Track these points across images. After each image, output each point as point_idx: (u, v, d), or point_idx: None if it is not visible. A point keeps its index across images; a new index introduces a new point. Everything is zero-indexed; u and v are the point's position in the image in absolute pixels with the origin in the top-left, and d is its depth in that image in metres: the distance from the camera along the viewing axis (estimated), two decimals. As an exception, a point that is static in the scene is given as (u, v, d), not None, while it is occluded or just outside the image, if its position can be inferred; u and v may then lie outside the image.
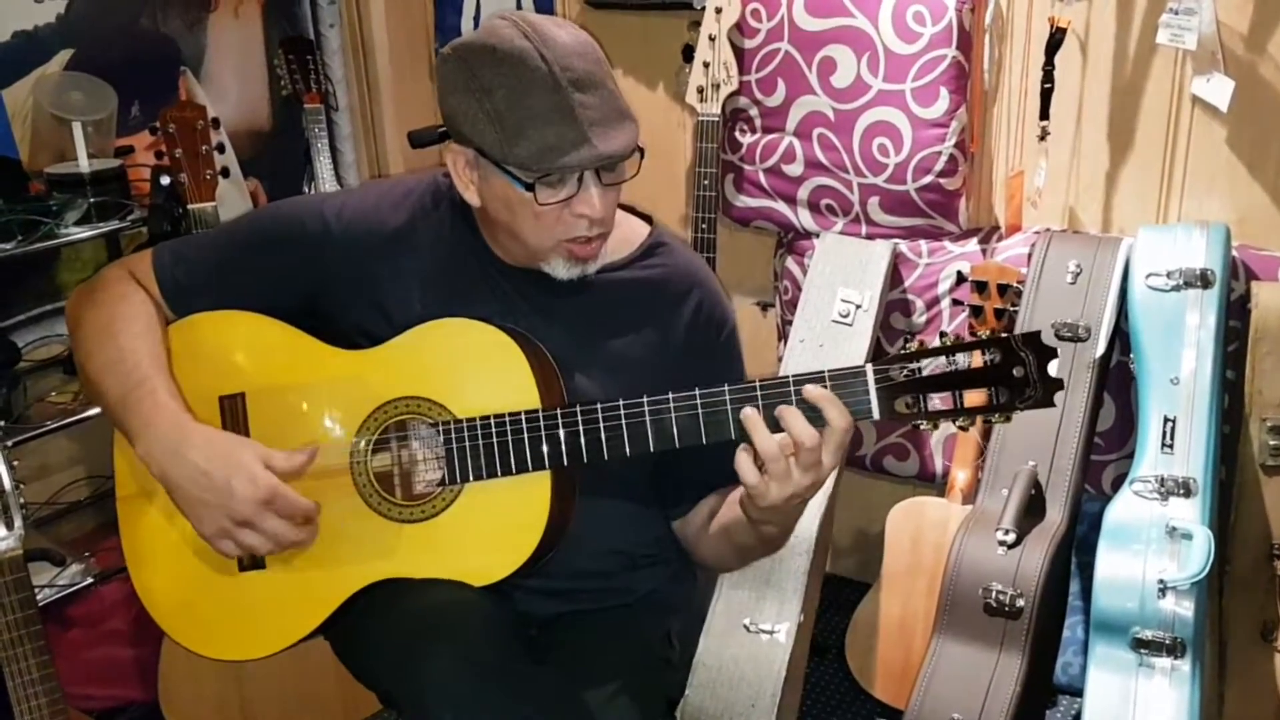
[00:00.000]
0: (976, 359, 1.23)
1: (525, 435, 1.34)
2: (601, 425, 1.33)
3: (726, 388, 1.28)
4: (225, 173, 2.20)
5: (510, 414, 1.35)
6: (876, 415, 1.24)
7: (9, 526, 1.64)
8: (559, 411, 1.34)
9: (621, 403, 1.32)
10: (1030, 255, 2.22)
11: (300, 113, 2.72)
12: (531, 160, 1.29)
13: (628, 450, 1.32)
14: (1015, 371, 1.22)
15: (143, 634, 2.27)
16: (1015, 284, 2.17)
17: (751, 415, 1.26)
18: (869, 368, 1.24)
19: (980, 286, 2.20)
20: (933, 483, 2.41)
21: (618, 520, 1.49)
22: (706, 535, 1.48)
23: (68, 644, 2.27)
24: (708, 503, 1.50)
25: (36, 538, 2.28)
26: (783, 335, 2.57)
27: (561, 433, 1.33)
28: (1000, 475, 2.11)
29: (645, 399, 1.31)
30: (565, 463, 1.34)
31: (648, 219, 1.56)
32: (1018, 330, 2.15)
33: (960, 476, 2.21)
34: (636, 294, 1.48)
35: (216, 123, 2.19)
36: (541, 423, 1.34)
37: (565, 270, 1.41)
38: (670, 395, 1.30)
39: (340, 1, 2.88)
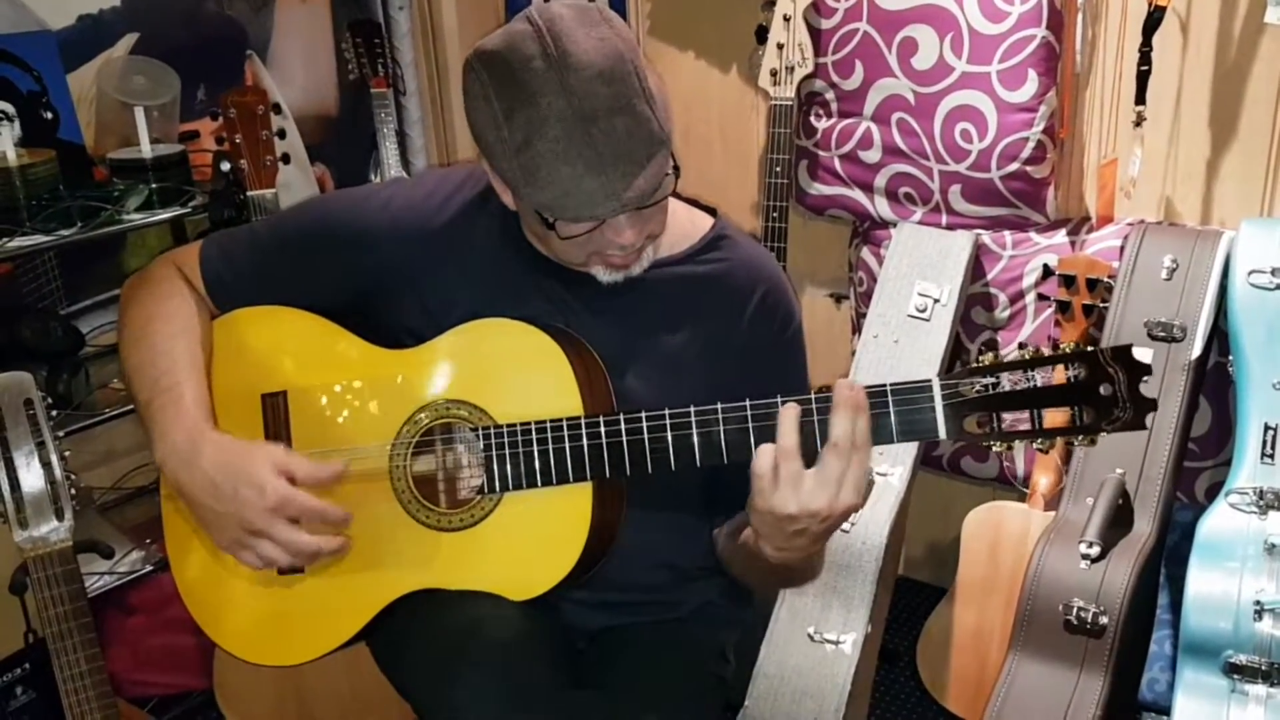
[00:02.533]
0: (1058, 374, 1.13)
1: (566, 444, 1.28)
2: (646, 437, 1.25)
3: (779, 399, 1.20)
4: (286, 159, 2.18)
5: (551, 421, 1.28)
6: (943, 435, 1.15)
7: (59, 518, 1.62)
8: (601, 419, 1.27)
9: (667, 412, 1.25)
10: (1122, 248, 2.11)
11: (368, 97, 2.69)
12: (548, 205, 1.22)
13: (673, 464, 1.25)
14: (1102, 389, 1.11)
15: (204, 621, 2.27)
16: (1106, 279, 2.06)
17: (789, 410, 1.16)
18: (936, 382, 1.14)
19: (1068, 281, 2.10)
20: (1013, 486, 2.31)
21: (669, 531, 1.42)
22: (733, 545, 1.41)
23: (130, 630, 2.29)
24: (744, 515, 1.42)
25: (101, 523, 2.30)
26: (857, 328, 2.48)
27: (603, 442, 1.27)
28: (1085, 483, 2.01)
29: (692, 409, 1.24)
30: (606, 474, 1.28)
31: (711, 211, 1.48)
32: (1108, 328, 2.04)
33: (1042, 482, 2.11)
34: (695, 290, 1.41)
35: (278, 108, 2.16)
36: (583, 431, 1.27)
37: (606, 275, 1.33)
38: (719, 405, 1.23)
39: (410, -16, 2.84)
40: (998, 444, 1.13)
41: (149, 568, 2.20)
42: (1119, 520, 1.95)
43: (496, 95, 1.21)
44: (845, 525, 2.05)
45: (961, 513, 2.17)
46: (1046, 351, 1.13)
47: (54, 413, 1.66)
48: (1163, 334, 2.01)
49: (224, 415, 1.40)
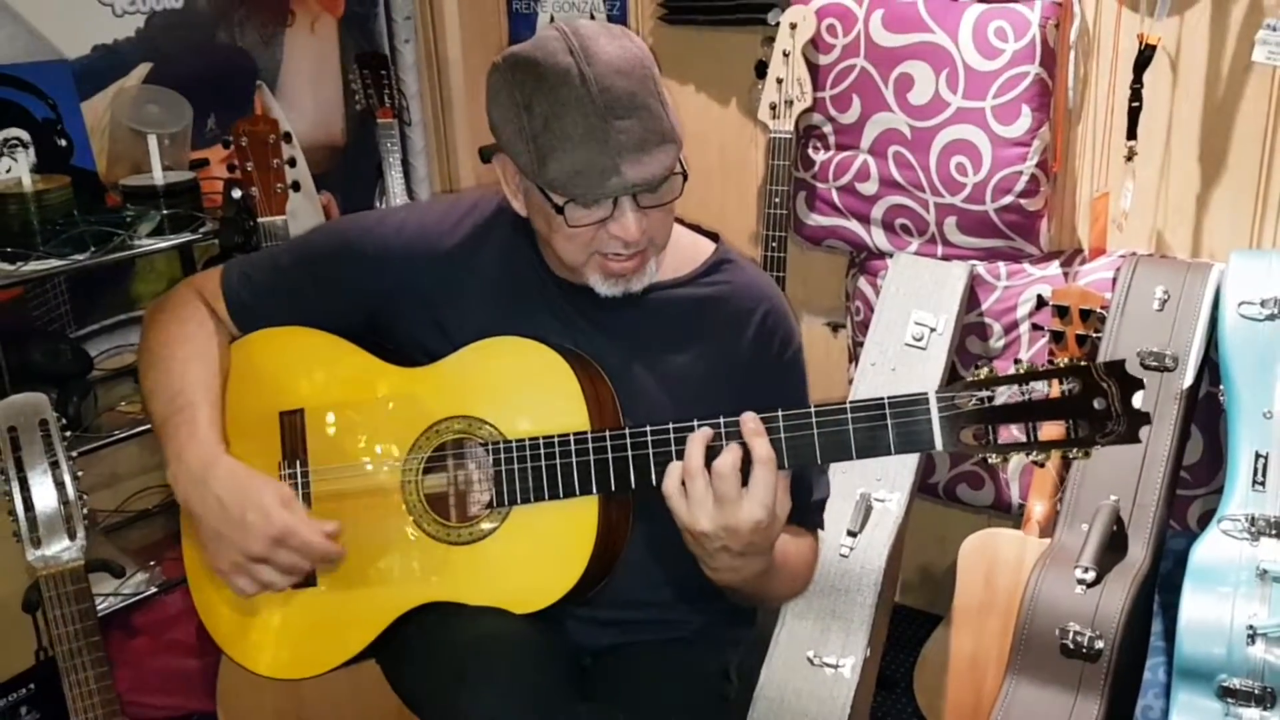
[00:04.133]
0: (1054, 388, 1.16)
1: (573, 459, 1.31)
2: (650, 452, 1.29)
3: (780, 413, 1.24)
4: (296, 186, 2.21)
5: (559, 436, 1.31)
6: (939, 446, 1.18)
7: (71, 537, 1.64)
8: (607, 434, 1.31)
9: (671, 427, 1.28)
10: (1115, 280, 2.14)
11: (374, 127, 2.74)
12: (559, 183, 1.26)
13: None
14: (1096, 403, 1.15)
15: (206, 644, 2.26)
16: (1098, 309, 2.09)
17: (699, 433, 1.24)
18: (932, 395, 1.18)
19: (1061, 311, 2.13)
20: (1008, 513, 2.34)
21: (674, 550, 1.43)
22: None
23: (132, 652, 2.30)
24: None
25: (105, 545, 2.32)
26: (853, 357, 2.51)
27: (609, 457, 1.30)
28: (1080, 509, 2.03)
29: (695, 423, 1.27)
30: (612, 488, 1.31)
31: (714, 236, 1.53)
32: (1101, 358, 2.08)
33: (1038, 509, 2.13)
34: (697, 311, 1.44)
35: (288, 136, 2.20)
36: (590, 445, 1.31)
37: (605, 287, 1.37)
38: (721, 420, 1.26)
39: (416, 18, 2.90)
40: (994, 456, 1.16)
41: (154, 589, 2.22)
42: (1114, 546, 1.97)
43: (519, 87, 1.27)
44: (844, 550, 2.07)
45: (957, 540, 2.18)
46: (1042, 367, 1.17)
47: (67, 434, 1.68)
48: (1155, 364, 2.04)
49: (243, 433, 1.43)
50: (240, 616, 1.45)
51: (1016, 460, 1.17)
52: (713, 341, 1.44)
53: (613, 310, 1.41)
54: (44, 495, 1.63)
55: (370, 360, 1.45)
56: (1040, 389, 1.16)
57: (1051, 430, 1.16)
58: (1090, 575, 1.90)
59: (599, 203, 1.28)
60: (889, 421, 1.20)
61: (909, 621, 2.60)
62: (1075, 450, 1.15)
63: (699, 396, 1.40)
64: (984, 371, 1.18)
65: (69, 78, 2.22)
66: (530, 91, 1.26)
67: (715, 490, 1.21)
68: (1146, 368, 2.04)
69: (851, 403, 1.21)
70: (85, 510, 1.66)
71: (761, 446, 1.22)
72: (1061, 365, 1.16)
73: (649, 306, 1.42)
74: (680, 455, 1.27)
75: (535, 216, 1.37)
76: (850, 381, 2.35)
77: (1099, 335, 2.09)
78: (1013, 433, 1.17)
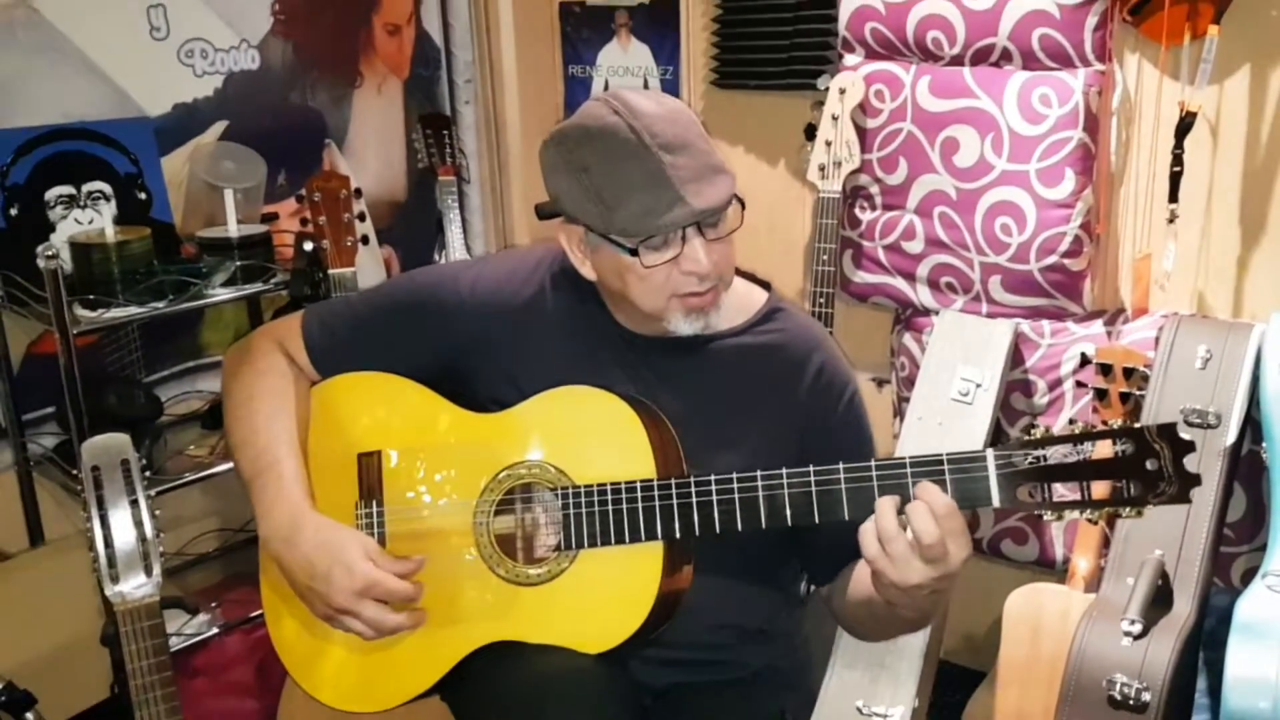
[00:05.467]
0: (1105, 449, 1.20)
1: (640, 505, 1.36)
2: (715, 499, 1.34)
3: (841, 466, 1.29)
4: (365, 240, 2.30)
5: (626, 483, 1.37)
6: (996, 502, 1.22)
7: (148, 574, 1.70)
8: (673, 483, 1.36)
9: (735, 476, 1.33)
10: (1158, 339, 2.17)
11: (433, 184, 2.83)
12: (630, 226, 1.34)
13: (739, 525, 1.33)
14: (1148, 464, 1.18)
15: (263, 686, 2.33)
16: (1142, 368, 2.12)
17: (882, 502, 1.24)
18: (990, 453, 1.22)
19: (1105, 369, 2.16)
20: (1053, 569, 2.35)
21: (733, 593, 1.49)
22: (848, 603, 1.47)
23: (192, 692, 2.34)
24: (850, 571, 1.48)
25: (168, 586, 2.38)
26: (898, 412, 2.55)
27: (675, 504, 1.35)
28: (1125, 564, 2.05)
29: (759, 474, 1.32)
30: (677, 534, 1.36)
31: (765, 285, 1.59)
32: (1145, 415, 2.10)
33: (1082, 564, 2.15)
34: (756, 359, 1.50)
35: (359, 192, 2.29)
36: (656, 493, 1.36)
37: (686, 325, 1.43)
38: (784, 471, 1.31)
39: (476, 81, 3.00)
40: (1049, 513, 1.20)
41: (215, 630, 2.28)
42: (1159, 600, 1.98)
43: (573, 153, 1.36)
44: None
45: (1000, 596, 2.20)
46: (1097, 426, 1.21)
47: (147, 473, 1.75)
48: (1198, 421, 2.06)
49: (323, 473, 1.50)
50: (312, 647, 1.51)
51: (1066, 516, 1.21)
52: (770, 389, 1.50)
53: (675, 360, 1.47)
54: (123, 532, 1.68)
55: (444, 406, 1.51)
56: (1093, 449, 1.20)
57: (1104, 489, 1.20)
58: (1137, 627, 1.92)
59: (668, 243, 1.35)
60: (947, 477, 1.24)
61: (953, 679, 2.60)
62: (1127, 509, 1.19)
63: (759, 442, 1.46)
64: (1039, 430, 1.22)
65: (150, 134, 2.33)
66: (585, 153, 1.34)
67: (924, 555, 1.21)
68: (1190, 425, 2.06)
69: (911, 458, 1.26)
70: (161, 549, 1.72)
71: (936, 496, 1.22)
72: (1115, 427, 1.20)
73: (709, 355, 1.49)
74: (743, 503, 1.32)
75: (607, 275, 1.43)
76: (896, 436, 2.38)
77: (1142, 393, 2.12)
78: (1061, 490, 1.21)
